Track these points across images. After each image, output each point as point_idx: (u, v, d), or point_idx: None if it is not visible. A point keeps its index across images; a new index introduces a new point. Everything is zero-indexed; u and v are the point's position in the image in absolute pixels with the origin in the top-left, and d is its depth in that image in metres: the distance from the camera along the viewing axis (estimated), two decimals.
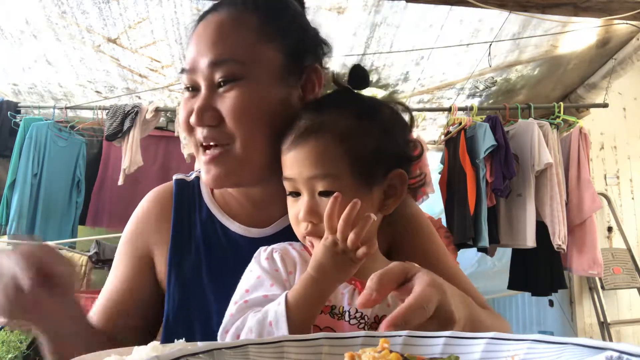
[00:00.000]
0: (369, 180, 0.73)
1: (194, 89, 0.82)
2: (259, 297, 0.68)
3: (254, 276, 0.72)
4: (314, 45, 0.88)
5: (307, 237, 0.74)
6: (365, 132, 0.74)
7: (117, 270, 0.92)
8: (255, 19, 0.81)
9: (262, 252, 0.76)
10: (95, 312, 0.90)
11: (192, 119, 0.79)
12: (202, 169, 0.83)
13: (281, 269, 0.73)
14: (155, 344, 0.54)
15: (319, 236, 0.70)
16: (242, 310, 0.68)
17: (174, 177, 0.98)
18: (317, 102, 0.81)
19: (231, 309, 0.70)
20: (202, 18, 0.85)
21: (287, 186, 0.76)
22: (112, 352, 0.55)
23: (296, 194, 0.74)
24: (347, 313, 0.69)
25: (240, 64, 0.78)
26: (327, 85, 0.89)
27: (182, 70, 0.83)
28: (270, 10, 0.84)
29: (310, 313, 0.64)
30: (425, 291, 0.57)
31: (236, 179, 0.82)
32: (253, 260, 0.76)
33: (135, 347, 0.56)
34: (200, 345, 0.44)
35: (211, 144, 0.80)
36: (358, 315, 0.69)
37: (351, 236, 0.64)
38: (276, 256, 0.74)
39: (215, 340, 0.76)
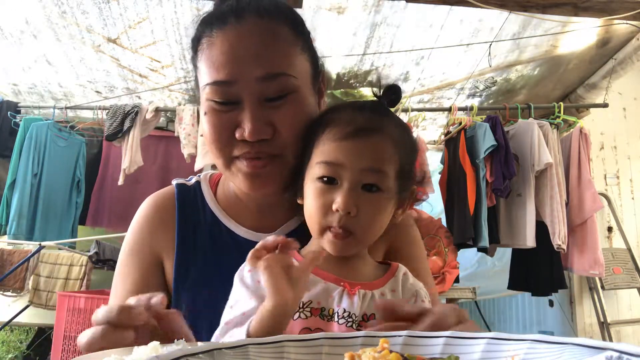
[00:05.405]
0: (401, 188, 0.76)
1: (231, 102, 0.79)
2: (238, 316, 0.68)
3: (236, 292, 0.72)
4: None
5: (332, 229, 0.72)
6: (406, 143, 0.78)
7: (126, 283, 0.88)
8: (287, 30, 0.81)
9: (245, 266, 0.75)
10: None
11: (246, 134, 0.76)
12: (244, 179, 0.81)
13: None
14: (155, 344, 0.54)
15: (350, 230, 0.71)
16: (224, 332, 0.68)
17: (174, 182, 0.96)
18: (365, 105, 0.80)
19: (217, 330, 0.70)
20: (219, 24, 0.80)
21: (325, 170, 0.73)
22: (112, 352, 0.55)
23: (331, 180, 0.73)
24: (336, 314, 0.70)
25: (293, 78, 0.79)
26: None
27: (215, 83, 0.78)
28: (295, 21, 0.85)
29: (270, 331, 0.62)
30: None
31: (282, 186, 0.83)
32: (236, 275, 0.75)
33: (135, 347, 0.55)
34: (200, 345, 0.44)
35: (261, 156, 0.79)
36: (346, 315, 0.69)
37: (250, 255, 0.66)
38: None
39: None
